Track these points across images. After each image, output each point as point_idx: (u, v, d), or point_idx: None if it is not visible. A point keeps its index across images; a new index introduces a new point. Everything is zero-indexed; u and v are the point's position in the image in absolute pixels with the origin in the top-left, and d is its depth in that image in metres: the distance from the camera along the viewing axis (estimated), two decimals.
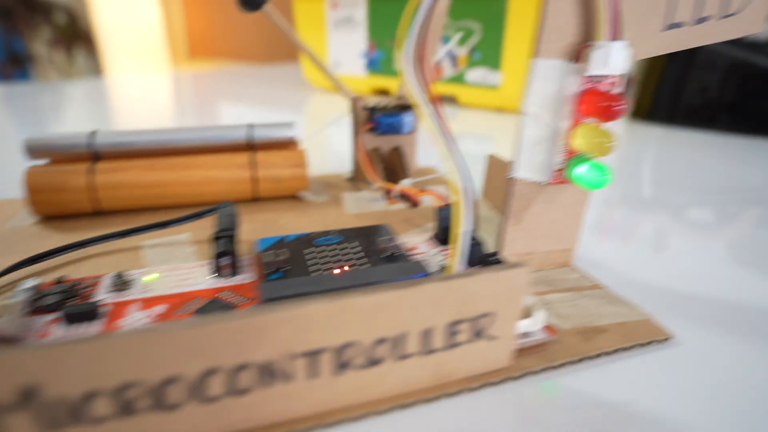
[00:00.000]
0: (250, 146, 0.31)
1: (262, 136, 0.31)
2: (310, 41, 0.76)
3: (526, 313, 0.18)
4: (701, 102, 0.53)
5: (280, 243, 0.22)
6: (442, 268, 0.21)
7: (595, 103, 0.18)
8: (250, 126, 0.31)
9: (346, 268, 0.20)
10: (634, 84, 0.68)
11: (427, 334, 0.14)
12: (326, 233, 0.23)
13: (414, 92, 0.20)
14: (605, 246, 0.27)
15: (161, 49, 1.71)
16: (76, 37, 1.70)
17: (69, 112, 0.65)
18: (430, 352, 0.15)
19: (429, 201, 0.29)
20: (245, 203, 0.30)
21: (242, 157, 0.29)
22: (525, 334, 0.17)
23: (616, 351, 0.18)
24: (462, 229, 0.17)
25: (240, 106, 0.69)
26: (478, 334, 0.15)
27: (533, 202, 0.21)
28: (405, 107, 0.32)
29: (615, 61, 0.18)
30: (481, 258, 0.21)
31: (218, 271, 0.20)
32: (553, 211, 0.22)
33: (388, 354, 0.14)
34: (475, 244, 0.22)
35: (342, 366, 0.14)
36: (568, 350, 0.17)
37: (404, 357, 0.15)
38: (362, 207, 0.30)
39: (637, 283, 0.23)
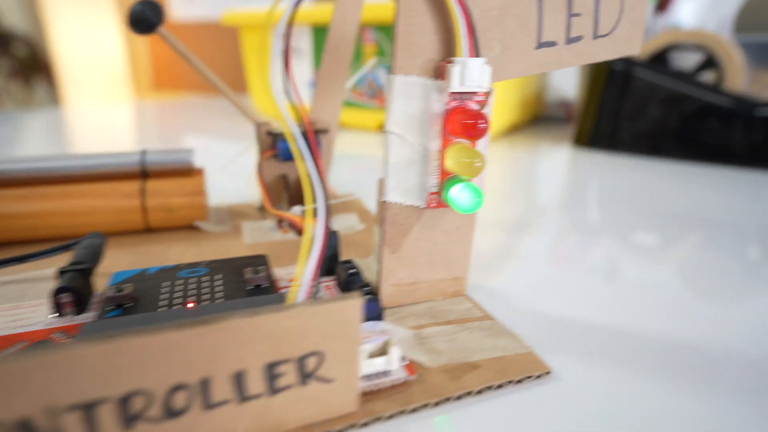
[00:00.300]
0: (144, 174, 0.29)
1: (157, 162, 0.29)
2: (259, 71, 0.76)
3: (382, 351, 0.16)
4: (637, 130, 0.53)
5: (137, 276, 0.20)
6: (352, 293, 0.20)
7: (460, 121, 0.17)
8: (144, 152, 0.29)
9: (202, 302, 0.18)
10: (575, 112, 0.70)
11: (239, 378, 0.13)
12: (194, 264, 0.21)
13: (283, 118, 0.19)
14: (511, 272, 0.26)
15: (124, 80, 1.70)
16: (36, 68, 1.67)
17: (24, 142, 0.63)
18: (248, 398, 0.13)
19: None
20: (136, 234, 0.28)
21: (131, 186, 0.28)
22: (379, 374, 0.16)
23: (482, 390, 0.16)
24: (311, 254, 0.16)
25: (202, 137, 0.68)
26: (307, 377, 0.13)
27: (411, 227, 0.20)
28: (314, 132, 0.31)
29: (473, 77, 0.17)
30: (357, 289, 0.19)
31: (59, 309, 0.18)
32: (435, 237, 0.20)
33: (190, 403, 0.12)
34: (353, 274, 0.20)
35: (130, 420, 0.12)
36: (430, 391, 0.16)
37: (213, 406, 0.13)
38: (260, 237, 0.28)
39: (534, 312, 0.21)
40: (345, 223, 0.30)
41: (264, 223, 0.30)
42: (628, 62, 0.52)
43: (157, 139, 0.67)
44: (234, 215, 0.32)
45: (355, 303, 0.13)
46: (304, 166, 0.18)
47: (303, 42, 0.69)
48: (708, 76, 0.52)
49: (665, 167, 0.50)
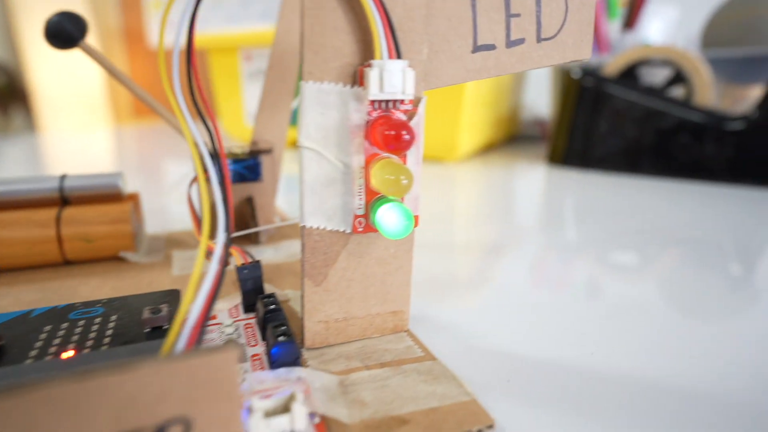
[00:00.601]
0: (64, 200, 0.26)
1: (78, 187, 0.26)
2: (227, 93, 0.74)
3: (285, 407, 0.13)
4: (609, 146, 0.52)
5: (15, 320, 0.17)
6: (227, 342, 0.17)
7: (381, 132, 0.15)
8: (63, 177, 0.26)
9: (84, 350, 0.15)
10: (548, 129, 0.68)
11: None
12: (91, 304, 0.18)
13: (188, 132, 0.16)
14: (468, 300, 0.23)
15: (103, 107, 1.68)
16: (14, 96, 1.64)
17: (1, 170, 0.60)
18: None
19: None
20: (52, 268, 0.25)
21: (47, 214, 0.25)
22: None
23: None
24: (198, 292, 0.13)
25: (181, 162, 0.65)
26: None
27: (337, 256, 0.17)
28: (255, 153, 0.28)
29: (394, 82, 0.15)
30: (273, 328, 0.17)
31: None
32: (367, 266, 0.18)
33: None
34: (271, 311, 0.18)
35: None
36: None
37: None
38: (190, 267, 0.25)
39: (487, 349, 0.19)
40: (288, 250, 0.27)
41: (197, 252, 0.27)
42: (598, 79, 0.51)
43: (134, 166, 0.64)
44: (171, 244, 0.29)
45: (229, 357, 0.11)
46: (206, 189, 0.16)
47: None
48: (678, 92, 0.51)
49: (639, 183, 0.48)
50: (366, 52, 0.15)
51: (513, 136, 0.78)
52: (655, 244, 0.32)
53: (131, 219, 0.26)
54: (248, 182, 0.28)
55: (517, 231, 0.36)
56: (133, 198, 0.28)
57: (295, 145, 0.69)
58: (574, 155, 0.55)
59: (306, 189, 0.16)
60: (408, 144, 0.15)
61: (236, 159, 0.28)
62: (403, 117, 0.16)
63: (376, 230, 0.17)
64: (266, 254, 0.27)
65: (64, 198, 0.26)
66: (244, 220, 0.29)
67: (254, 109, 0.71)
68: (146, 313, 0.17)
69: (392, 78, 0.15)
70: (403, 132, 0.15)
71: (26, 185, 0.26)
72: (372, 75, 0.15)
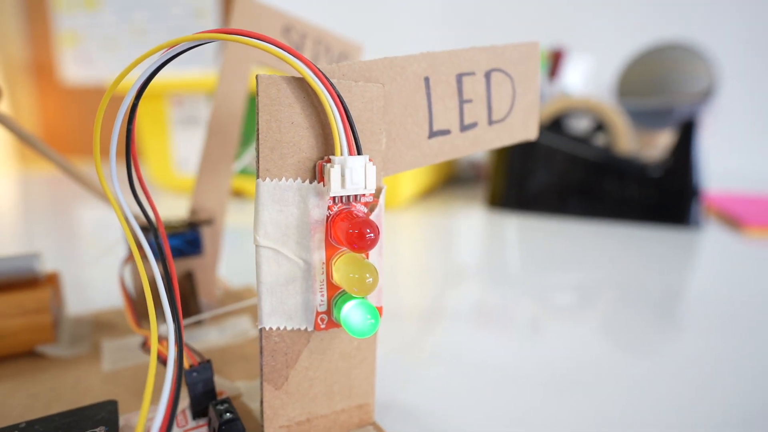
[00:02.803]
0: None
1: None
2: (154, 140, 0.70)
3: None
4: (543, 190, 0.55)
5: None
6: None
7: (345, 230, 0.14)
8: None
9: None
10: (484, 172, 0.71)
11: None
12: (7, 430, 0.15)
13: (117, 208, 0.15)
14: (429, 375, 0.22)
15: (6, 150, 1.53)
16: None
17: None
18: None
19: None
20: None
21: None
22: None
23: None
24: (157, 412, 0.11)
25: (100, 208, 0.60)
26: None
27: (298, 355, 0.16)
28: (194, 225, 0.26)
29: (356, 178, 0.14)
30: None
31: None
32: (330, 363, 0.17)
33: None
34: (228, 421, 0.16)
35: None
36: None
37: None
38: (123, 360, 0.22)
39: None
40: (234, 330, 0.25)
41: (131, 341, 0.24)
42: None
43: (41, 217, 0.58)
44: (98, 328, 0.26)
45: None
46: (144, 271, 0.14)
47: (201, 110, 0.65)
48: (600, 139, 0.55)
49: (571, 225, 0.51)
50: (325, 146, 0.15)
51: (450, 179, 0.81)
52: (589, 286, 0.34)
53: (50, 307, 0.23)
54: (188, 257, 0.26)
55: (466, 285, 0.36)
56: (52, 280, 0.25)
57: (238, 194, 0.66)
58: (510, 198, 0.57)
59: (264, 289, 0.15)
60: (372, 243, 0.14)
61: (174, 233, 0.26)
62: (364, 210, 0.15)
63: (339, 326, 0.16)
64: (210, 336, 0.25)
65: None
66: (184, 299, 0.26)
67: (184, 154, 0.68)
68: None
69: (353, 175, 0.14)
70: (367, 230, 0.14)
71: None
72: (333, 173, 0.14)
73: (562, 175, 0.53)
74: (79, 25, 1.46)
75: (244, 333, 0.25)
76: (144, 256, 0.16)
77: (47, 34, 1.52)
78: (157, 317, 0.25)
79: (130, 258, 0.24)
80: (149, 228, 0.22)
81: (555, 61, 0.59)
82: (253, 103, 0.58)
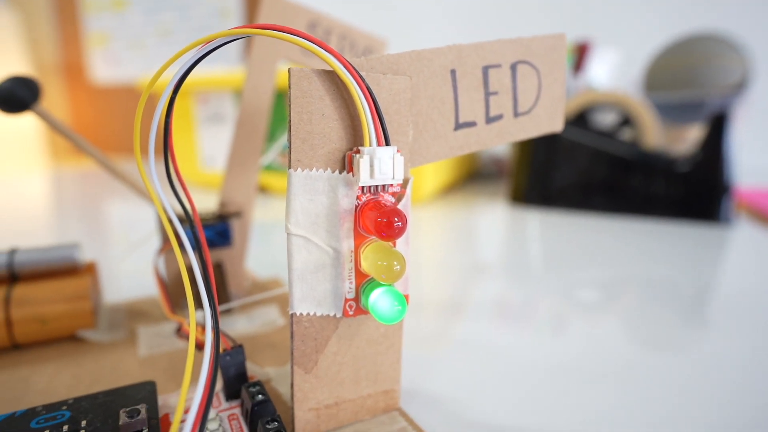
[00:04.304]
0: (13, 277, 0.24)
1: (29, 262, 0.24)
2: (181, 137, 0.72)
3: None
4: (567, 186, 0.54)
5: None
6: None
7: (373, 219, 0.15)
8: (12, 251, 0.24)
9: None
10: (506, 168, 0.71)
11: None
12: (55, 407, 0.16)
13: (156, 198, 0.16)
14: (453, 365, 0.23)
15: (39, 146, 1.59)
16: None
17: None
18: None
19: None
20: None
21: None
22: None
23: None
24: (195, 396, 0.12)
25: (127, 204, 0.62)
26: None
27: (327, 340, 0.17)
28: (224, 217, 0.27)
29: (385, 169, 0.15)
30: (264, 424, 0.16)
31: None
32: (357, 348, 0.17)
33: None
34: (259, 403, 0.17)
35: None
36: None
37: None
38: (158, 346, 0.23)
39: (480, 422, 0.19)
40: (262, 319, 0.26)
41: (165, 327, 0.25)
42: None
43: (74, 211, 0.60)
44: (133, 316, 0.27)
45: None
46: (182, 260, 0.15)
47: (226, 107, 0.66)
48: (627, 134, 0.54)
49: (595, 221, 0.50)
50: (354, 137, 0.15)
51: (472, 175, 0.80)
52: (614, 282, 0.33)
53: (90, 295, 0.24)
54: (217, 248, 0.27)
55: (488, 281, 0.36)
56: (91, 269, 0.26)
57: (263, 190, 0.68)
58: (533, 194, 0.56)
59: (295, 276, 0.16)
60: (400, 231, 0.15)
61: (205, 224, 0.27)
62: (391, 199, 0.16)
63: (366, 312, 0.16)
64: (239, 324, 0.26)
65: (13, 274, 0.24)
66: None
67: (209, 151, 0.70)
68: (123, 418, 0.15)
69: (382, 165, 0.15)
70: (395, 219, 0.14)
71: None
72: (363, 163, 0.14)
73: (586, 171, 0.53)
74: (108, 26, 1.50)
75: (272, 322, 0.26)
76: (180, 247, 0.16)
77: (77, 35, 1.57)
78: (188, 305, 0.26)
79: (164, 248, 0.25)
80: (185, 219, 0.23)
81: (580, 55, 0.59)
82: (279, 99, 0.59)
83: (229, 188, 0.28)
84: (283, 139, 0.60)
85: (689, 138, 0.55)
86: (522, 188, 0.57)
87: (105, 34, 1.53)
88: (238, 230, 0.28)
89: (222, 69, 0.92)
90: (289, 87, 0.14)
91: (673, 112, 0.54)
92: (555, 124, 0.20)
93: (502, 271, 0.38)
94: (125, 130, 1.54)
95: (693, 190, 0.48)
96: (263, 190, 0.68)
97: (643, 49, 0.66)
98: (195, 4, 1.36)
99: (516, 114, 0.19)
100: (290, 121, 0.15)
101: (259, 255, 0.40)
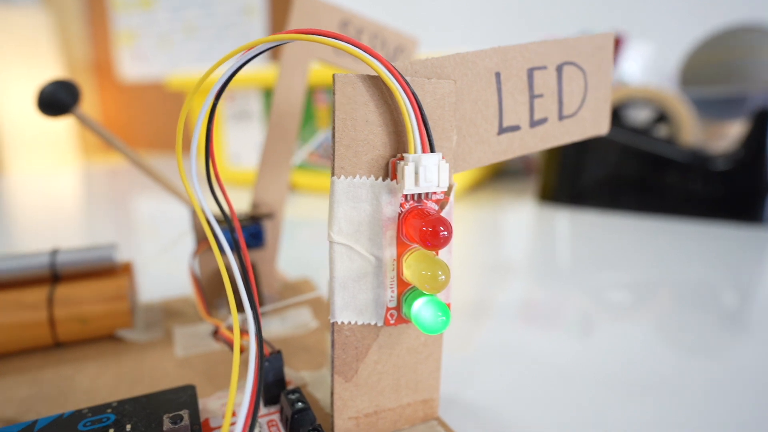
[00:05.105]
0: (55, 277, 0.25)
1: (70, 262, 0.25)
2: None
3: None
4: (598, 185, 0.53)
5: None
6: None
7: (417, 228, 0.15)
8: (54, 252, 0.25)
9: None
10: (533, 165, 0.69)
11: None
12: (99, 409, 0.17)
13: (195, 200, 0.16)
14: (489, 371, 0.22)
15: (70, 142, 1.64)
16: None
17: None
18: None
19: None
20: (41, 353, 0.23)
21: (35, 294, 0.23)
22: None
23: None
24: (242, 405, 0.12)
25: (156, 200, 0.63)
26: None
27: (368, 349, 0.16)
28: (257, 219, 0.27)
29: (430, 176, 0.14)
30: (306, 431, 0.16)
31: None
32: (398, 357, 0.17)
33: None
34: (301, 410, 0.16)
35: None
36: None
37: None
38: (194, 347, 0.24)
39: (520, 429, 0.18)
40: (295, 321, 0.26)
41: (200, 328, 0.25)
42: None
43: (105, 207, 0.62)
44: (169, 315, 0.27)
45: None
46: (223, 265, 0.15)
47: (252, 104, 0.66)
48: (662, 130, 0.52)
49: (628, 221, 0.49)
50: (398, 143, 0.15)
51: (498, 172, 0.79)
52: (650, 284, 0.32)
53: (128, 295, 0.24)
54: (250, 249, 0.27)
55: (517, 281, 0.35)
56: (127, 269, 0.27)
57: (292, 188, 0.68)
58: (563, 193, 0.55)
59: (336, 284, 0.15)
60: (446, 241, 0.14)
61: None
62: (434, 207, 0.15)
63: (408, 321, 0.16)
64: (272, 327, 0.26)
65: (55, 274, 0.25)
66: None
67: (236, 148, 0.70)
68: (167, 424, 0.15)
69: (427, 172, 0.14)
70: (441, 228, 0.14)
71: (14, 262, 0.24)
72: (407, 170, 0.14)
73: (618, 169, 0.51)
74: (136, 24, 1.53)
75: (305, 324, 0.26)
76: (219, 250, 0.16)
77: (106, 33, 1.60)
78: (224, 307, 0.26)
79: (199, 250, 0.26)
80: (222, 221, 0.23)
81: (614, 47, 0.57)
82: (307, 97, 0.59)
83: (262, 189, 0.28)
84: (314, 139, 0.60)
85: (729, 135, 0.53)
86: (551, 186, 0.56)
87: (133, 32, 1.56)
88: (270, 231, 0.28)
89: (248, 66, 0.91)
90: (334, 93, 0.14)
91: (712, 108, 0.52)
92: (601, 127, 0.19)
93: (532, 272, 0.37)
94: (152, 126, 1.57)
95: (733, 190, 0.46)
96: (291, 188, 0.68)
97: (678, 42, 0.64)
98: (219, 1, 1.37)
99: (561, 117, 0.18)
100: (334, 127, 0.14)
101: (286, 253, 0.40)
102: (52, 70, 1.47)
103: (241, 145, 0.70)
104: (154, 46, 1.54)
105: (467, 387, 0.21)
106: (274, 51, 1.25)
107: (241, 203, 0.59)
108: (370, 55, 0.14)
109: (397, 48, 0.30)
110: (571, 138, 0.19)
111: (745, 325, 0.27)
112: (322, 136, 0.61)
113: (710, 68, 0.51)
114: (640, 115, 0.53)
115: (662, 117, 0.51)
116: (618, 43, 0.57)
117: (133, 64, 1.59)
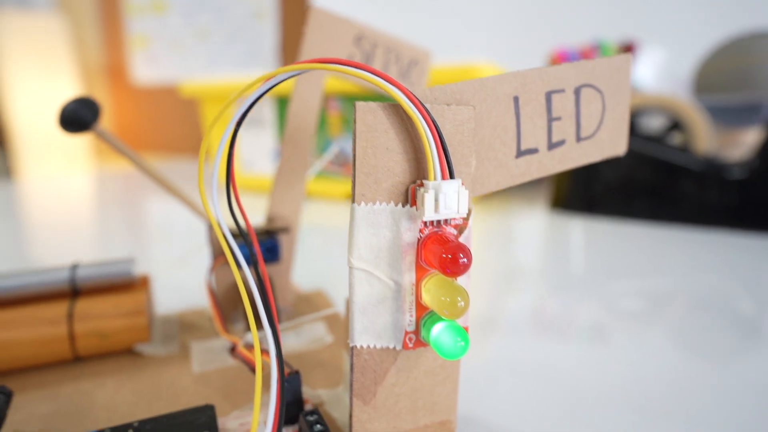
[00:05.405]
0: (75, 291, 0.25)
1: (89, 277, 0.25)
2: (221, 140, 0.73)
3: None
4: (612, 193, 0.53)
5: None
6: None
7: (437, 255, 0.15)
8: (74, 266, 0.25)
9: None
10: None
11: None
12: (120, 430, 0.17)
13: (211, 215, 0.16)
14: (504, 389, 0.22)
15: (84, 146, 1.66)
16: None
17: None
18: None
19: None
20: (61, 367, 0.24)
21: (56, 309, 0.24)
22: None
23: None
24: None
25: (168, 204, 0.64)
26: None
27: (386, 372, 0.16)
28: (272, 233, 0.27)
29: (449, 203, 0.14)
30: None
31: None
32: (415, 379, 0.17)
33: None
34: (315, 422, 0.17)
35: None
36: None
37: None
38: (210, 362, 0.24)
39: None
40: (310, 336, 0.26)
41: (215, 343, 0.26)
42: None
43: (117, 212, 0.62)
44: (184, 328, 0.28)
45: None
46: (242, 284, 0.15)
47: (265, 112, 0.67)
48: (676, 138, 0.52)
49: (642, 230, 0.48)
50: (417, 170, 0.15)
51: None
52: (665, 294, 0.32)
53: (146, 310, 0.25)
54: (266, 264, 0.27)
55: (531, 291, 0.35)
56: (144, 283, 0.27)
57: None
58: (575, 200, 0.55)
59: (356, 309, 0.15)
60: (465, 268, 0.14)
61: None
62: (453, 231, 0.16)
63: (425, 345, 0.16)
64: (288, 341, 0.26)
65: (75, 289, 0.25)
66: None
67: (248, 155, 0.71)
68: None
69: (447, 199, 0.14)
70: (461, 255, 0.14)
71: (36, 278, 0.24)
72: (427, 198, 0.14)
73: (632, 177, 0.51)
74: (149, 28, 1.54)
75: (320, 339, 0.26)
76: (236, 266, 0.17)
77: (120, 37, 1.62)
78: (239, 321, 0.26)
79: (215, 265, 0.26)
80: (238, 235, 0.24)
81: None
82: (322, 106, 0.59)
83: (277, 202, 0.28)
84: (328, 152, 0.60)
85: (744, 143, 0.52)
86: (563, 194, 0.56)
87: (146, 36, 1.57)
88: (285, 245, 0.28)
89: (260, 74, 0.92)
90: (354, 121, 0.14)
91: (727, 115, 0.51)
92: (618, 148, 0.19)
93: (545, 282, 0.37)
94: (164, 130, 1.59)
95: (749, 199, 0.45)
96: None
97: (692, 48, 0.63)
98: (231, 5, 1.38)
99: (579, 139, 0.18)
100: (355, 155, 0.14)
101: (297, 259, 0.40)
102: (67, 74, 1.49)
103: (253, 151, 0.70)
104: (166, 50, 1.55)
105: (484, 404, 0.21)
106: (286, 57, 1.25)
107: (253, 210, 0.59)
108: (391, 84, 0.14)
109: (411, 61, 0.31)
110: (589, 159, 0.18)
111: (761, 336, 0.27)
112: (335, 146, 0.61)
113: (725, 75, 0.50)
114: (653, 123, 0.53)
115: (676, 125, 0.51)
116: (630, 50, 0.56)
117: (146, 68, 1.61)
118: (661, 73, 0.63)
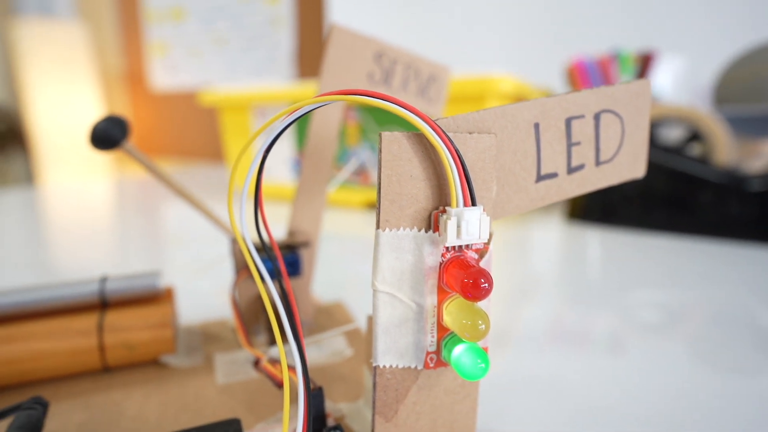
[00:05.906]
0: (104, 303, 0.26)
1: (118, 290, 0.26)
2: (238, 149, 0.75)
3: None
4: (630, 204, 0.52)
5: None
6: None
7: (459, 279, 0.15)
8: (103, 279, 0.26)
9: None
10: None
11: None
12: None
13: (237, 231, 0.16)
14: (521, 407, 0.23)
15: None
16: (13, 140, 1.65)
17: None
18: None
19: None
20: (90, 377, 0.25)
21: (86, 321, 0.24)
22: None
23: None
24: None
25: (186, 209, 0.65)
26: None
27: (407, 391, 0.17)
28: (293, 247, 0.28)
29: (471, 230, 0.15)
30: None
31: None
32: (436, 398, 0.18)
33: None
34: None
35: None
36: None
37: None
38: (234, 374, 0.25)
39: None
40: (330, 349, 0.27)
41: (239, 355, 0.26)
42: None
43: (137, 218, 0.64)
44: (207, 340, 0.28)
45: None
46: (267, 297, 0.15)
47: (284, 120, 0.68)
48: (695, 149, 0.51)
49: (660, 242, 0.48)
50: (440, 197, 0.16)
51: None
52: (684, 307, 0.32)
53: (172, 322, 0.26)
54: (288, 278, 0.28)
55: (548, 304, 0.35)
56: (169, 296, 0.28)
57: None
58: (593, 211, 0.55)
59: (379, 330, 0.16)
60: (486, 293, 0.15)
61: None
62: (475, 256, 0.16)
63: (446, 364, 0.17)
64: (309, 354, 0.26)
65: (104, 302, 0.26)
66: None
67: (268, 163, 0.72)
68: None
69: (469, 226, 0.15)
70: (482, 281, 0.15)
71: (67, 290, 0.25)
72: (450, 224, 0.15)
73: (650, 188, 0.50)
74: (167, 35, 1.57)
75: (340, 352, 0.27)
76: (260, 280, 0.17)
77: (139, 45, 1.66)
78: (261, 334, 0.27)
79: (239, 278, 0.27)
80: (263, 251, 0.24)
81: (644, 65, 0.56)
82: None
83: (298, 217, 0.29)
84: (348, 165, 0.61)
85: (765, 153, 0.52)
86: (580, 204, 0.56)
87: (165, 43, 1.60)
88: (306, 259, 0.28)
89: (277, 83, 0.94)
90: (380, 151, 0.15)
91: (748, 126, 0.51)
92: (637, 170, 0.19)
93: (561, 293, 0.37)
94: (182, 136, 1.61)
95: None
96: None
97: (712, 57, 0.63)
98: (248, 13, 1.40)
99: (598, 163, 0.18)
100: (380, 183, 0.15)
101: (322, 265, 0.41)
102: (87, 81, 1.52)
103: (271, 159, 0.71)
104: (184, 57, 1.58)
105: (502, 421, 0.22)
106: (301, 64, 1.27)
107: (271, 218, 0.60)
108: (415, 114, 0.14)
109: (430, 77, 0.31)
110: (608, 182, 0.19)
111: None
112: (355, 159, 0.62)
113: (745, 85, 0.50)
114: (672, 134, 0.52)
115: (696, 136, 0.50)
116: (649, 60, 0.56)
117: (165, 75, 1.64)
118: (680, 82, 0.62)
